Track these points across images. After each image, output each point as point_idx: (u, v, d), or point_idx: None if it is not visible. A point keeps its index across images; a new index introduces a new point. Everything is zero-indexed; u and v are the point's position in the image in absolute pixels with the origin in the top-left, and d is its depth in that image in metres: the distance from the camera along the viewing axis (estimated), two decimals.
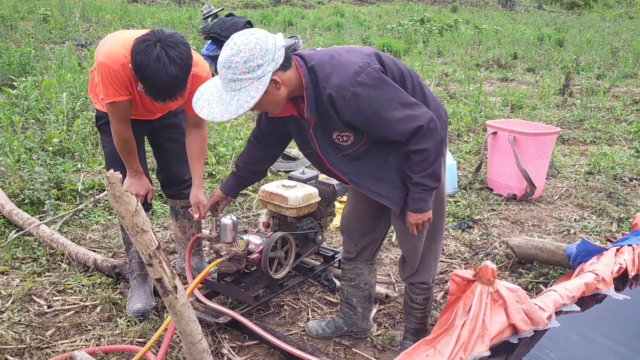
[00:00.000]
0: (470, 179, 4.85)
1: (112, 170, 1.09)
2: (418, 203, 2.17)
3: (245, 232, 3.48)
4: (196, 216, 2.73)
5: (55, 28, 11.82)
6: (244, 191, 4.43)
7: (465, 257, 3.61)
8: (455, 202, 4.40)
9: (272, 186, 3.11)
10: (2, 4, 13.91)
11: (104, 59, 2.41)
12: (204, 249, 3.43)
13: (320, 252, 3.23)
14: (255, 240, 2.85)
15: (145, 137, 2.94)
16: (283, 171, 4.90)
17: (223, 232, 2.74)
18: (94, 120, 2.98)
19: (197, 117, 2.56)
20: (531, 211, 4.33)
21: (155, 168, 3.14)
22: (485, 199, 4.52)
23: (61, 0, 15.07)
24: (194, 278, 2.72)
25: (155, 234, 1.18)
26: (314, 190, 3.11)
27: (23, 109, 5.55)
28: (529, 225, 4.09)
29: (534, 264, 3.43)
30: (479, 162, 4.93)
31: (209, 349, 2.01)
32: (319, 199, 3.14)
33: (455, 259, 3.61)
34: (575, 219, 4.16)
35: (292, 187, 3.09)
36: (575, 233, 3.92)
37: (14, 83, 6.04)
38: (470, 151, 5.79)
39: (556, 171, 5.19)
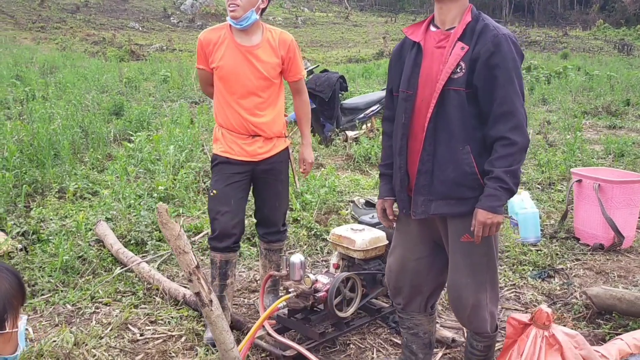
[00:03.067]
0: (556, 227, 4.75)
1: (161, 203, 1.35)
2: (493, 201, 2.13)
3: (320, 272, 3.67)
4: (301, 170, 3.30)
5: (173, 88, 13.00)
6: (324, 236, 4.66)
7: None
8: (537, 251, 4.33)
9: (342, 229, 3.31)
10: (130, 67, 15.52)
11: None
12: (281, 288, 3.66)
13: (388, 294, 3.34)
14: (323, 279, 3.04)
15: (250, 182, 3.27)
16: (364, 215, 5.06)
17: (292, 270, 2.96)
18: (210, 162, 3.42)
19: (297, 83, 3.19)
20: (619, 262, 4.16)
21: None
22: (570, 248, 4.40)
23: (180, 62, 16.58)
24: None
25: (194, 255, 1.42)
26: (381, 234, 3.27)
27: (137, 161, 6.21)
28: (615, 276, 3.93)
29: (613, 314, 3.31)
30: (564, 210, 4.82)
31: (240, 356, 2.22)
32: (387, 242, 3.28)
33: (531, 307, 3.56)
34: None
35: (360, 230, 3.27)
36: None
37: (132, 138, 6.77)
38: (562, 200, 5.64)
39: None
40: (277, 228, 3.34)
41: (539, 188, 6.14)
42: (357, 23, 36.11)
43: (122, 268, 4.04)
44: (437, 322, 3.25)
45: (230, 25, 3.08)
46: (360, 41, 29.75)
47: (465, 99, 2.21)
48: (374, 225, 3.41)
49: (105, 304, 3.61)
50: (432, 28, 2.36)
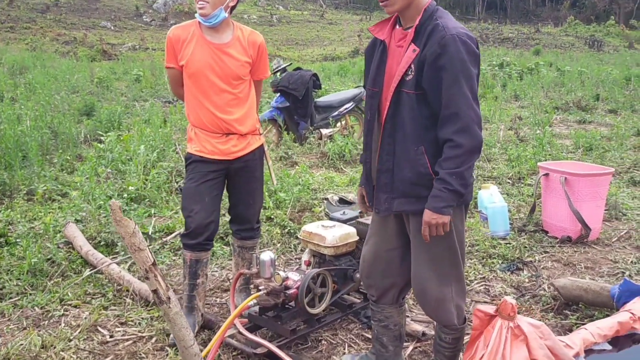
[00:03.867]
0: (525, 221, 4.82)
1: (114, 200, 1.34)
2: (438, 202, 2.17)
3: (291, 269, 3.68)
4: None
5: (146, 87, 12.87)
6: (298, 234, 4.66)
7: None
8: (506, 244, 4.39)
9: (312, 226, 3.32)
10: (102, 67, 15.33)
11: None
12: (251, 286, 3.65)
13: (360, 289, 3.37)
14: (294, 276, 3.04)
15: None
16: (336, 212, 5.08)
17: (262, 268, 2.95)
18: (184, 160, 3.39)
19: (259, 82, 3.30)
20: (586, 253, 4.24)
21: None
22: (538, 241, 4.47)
23: (153, 61, 16.41)
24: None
25: (151, 252, 1.41)
26: (351, 230, 3.28)
27: (108, 161, 6.13)
28: (582, 268, 4.01)
29: (580, 305, 3.38)
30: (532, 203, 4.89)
31: (200, 353, 2.22)
32: (357, 238, 3.29)
33: (499, 300, 3.59)
34: (631, 261, 4.04)
35: (331, 227, 3.28)
36: (630, 275, 3.81)
37: (102, 138, 6.69)
38: (532, 194, 5.72)
39: (620, 214, 5.04)
40: (251, 225, 3.34)
41: (509, 182, 6.23)
42: (332, 21, 36.14)
43: (91, 270, 3.99)
44: (408, 316, 3.28)
45: (199, 22, 3.07)
46: (336, 39, 29.78)
47: (415, 101, 2.23)
48: (344, 221, 3.42)
49: (75, 307, 3.57)
50: (397, 26, 2.38)
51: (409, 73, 2.21)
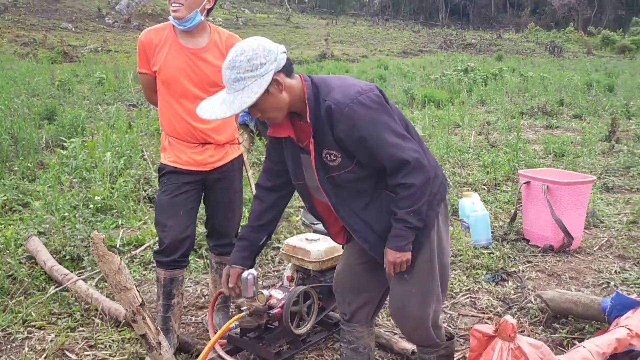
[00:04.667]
0: (505, 229, 4.76)
1: (96, 232, 1.16)
2: (399, 240, 2.15)
3: (273, 286, 3.51)
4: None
5: (109, 90, 12.49)
6: (276, 244, 4.49)
7: (498, 312, 3.51)
8: (489, 253, 4.31)
9: (296, 240, 3.16)
10: (63, 69, 14.84)
11: None
12: (231, 305, 3.46)
13: None
14: (277, 294, 2.87)
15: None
16: (315, 223, 4.93)
17: (244, 287, 2.77)
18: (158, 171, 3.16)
19: None
20: (569, 263, 4.20)
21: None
22: (521, 250, 4.41)
23: (116, 63, 15.97)
24: (215, 334, 2.75)
25: (138, 291, 1.23)
26: (336, 243, 3.12)
27: (71, 169, 5.84)
28: (567, 278, 3.95)
29: (570, 318, 3.30)
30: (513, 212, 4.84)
31: None
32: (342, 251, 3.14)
33: (487, 313, 3.51)
34: (615, 271, 4.01)
35: (315, 240, 3.12)
36: (615, 286, 3.76)
37: (65, 144, 6.38)
38: (508, 201, 5.69)
39: (598, 221, 5.03)
40: (230, 240, 3.14)
41: (484, 189, 6.18)
42: (299, 25, 36.05)
43: (56, 287, 3.74)
44: (396, 333, 3.16)
45: (173, 25, 2.87)
46: (302, 43, 29.69)
47: (358, 169, 2.16)
48: None
49: (39, 328, 3.32)
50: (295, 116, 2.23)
51: (333, 159, 2.15)
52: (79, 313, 3.46)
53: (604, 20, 50.68)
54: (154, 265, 3.16)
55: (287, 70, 2.06)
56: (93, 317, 3.41)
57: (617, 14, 52.88)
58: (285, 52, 2.06)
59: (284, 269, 4.13)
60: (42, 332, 3.28)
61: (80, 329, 3.32)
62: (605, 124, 10.04)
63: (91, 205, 4.97)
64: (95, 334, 3.24)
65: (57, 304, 3.57)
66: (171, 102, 2.89)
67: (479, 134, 9.38)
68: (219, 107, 2.01)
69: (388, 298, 2.43)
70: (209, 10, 2.93)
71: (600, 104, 12.57)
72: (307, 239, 3.14)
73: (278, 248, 4.45)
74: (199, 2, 2.80)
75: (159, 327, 2.93)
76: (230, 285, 2.45)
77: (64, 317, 3.44)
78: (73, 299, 3.61)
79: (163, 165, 2.99)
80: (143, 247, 4.47)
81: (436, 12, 52.62)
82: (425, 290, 2.30)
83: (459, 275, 3.97)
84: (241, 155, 3.13)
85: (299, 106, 2.11)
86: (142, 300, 1.11)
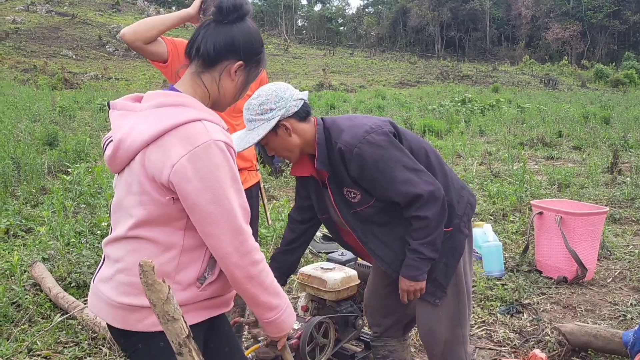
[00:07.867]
0: (517, 260, 4.70)
1: (146, 259, 1.11)
2: (412, 270, 2.19)
3: None
4: None
5: None
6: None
7: (515, 345, 3.43)
8: (503, 285, 4.25)
9: (311, 269, 3.09)
10: (63, 95, 14.86)
11: None
12: (246, 335, 3.38)
13: (361, 337, 3.14)
14: (294, 325, 2.80)
15: None
16: (324, 252, 4.88)
17: None
18: None
19: None
20: (584, 295, 4.13)
21: None
22: (534, 281, 4.35)
23: (117, 90, 16.02)
24: None
25: (186, 322, 1.17)
26: (353, 273, 3.07)
27: (75, 194, 5.78)
28: (582, 310, 3.89)
29: (589, 352, 3.23)
30: (526, 243, 4.79)
31: None
32: (359, 281, 3.08)
33: (504, 346, 3.44)
34: (631, 303, 3.94)
35: (331, 269, 3.06)
36: (631, 318, 3.70)
37: (68, 169, 6.33)
38: (517, 231, 5.65)
39: (608, 252, 4.98)
40: None
41: (491, 219, 6.14)
42: (297, 55, 36.44)
43: (62, 315, 3.64)
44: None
45: None
46: (300, 72, 29.97)
47: (379, 203, 2.22)
48: (344, 263, 3.20)
49: (45, 357, 3.22)
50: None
51: (354, 196, 2.22)
52: (86, 342, 3.36)
53: (597, 54, 51.49)
54: None
55: (300, 115, 2.14)
56: (101, 347, 3.32)
57: (609, 49, 53.79)
58: (303, 98, 2.14)
59: (295, 298, 4.06)
60: None
61: (88, 358, 3.22)
62: (605, 155, 10.09)
63: (97, 232, 4.89)
64: None
65: (64, 332, 3.48)
66: None
67: (480, 164, 9.40)
68: (235, 141, 2.11)
69: (417, 321, 2.43)
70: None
71: (598, 135, 12.65)
72: (322, 267, 3.08)
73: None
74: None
75: None
76: None
77: (71, 346, 3.35)
78: (80, 327, 3.52)
79: None
80: None
81: (432, 45, 53.37)
82: (453, 314, 2.33)
83: (473, 307, 3.90)
84: (258, 182, 3.08)
85: (313, 149, 2.20)
86: (189, 332, 1.06)
